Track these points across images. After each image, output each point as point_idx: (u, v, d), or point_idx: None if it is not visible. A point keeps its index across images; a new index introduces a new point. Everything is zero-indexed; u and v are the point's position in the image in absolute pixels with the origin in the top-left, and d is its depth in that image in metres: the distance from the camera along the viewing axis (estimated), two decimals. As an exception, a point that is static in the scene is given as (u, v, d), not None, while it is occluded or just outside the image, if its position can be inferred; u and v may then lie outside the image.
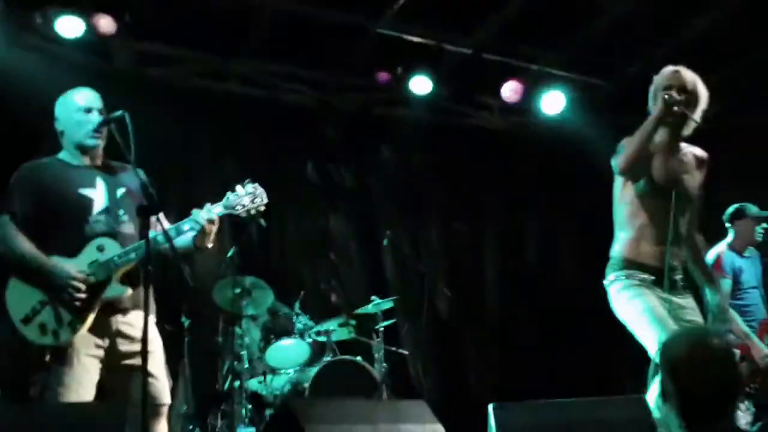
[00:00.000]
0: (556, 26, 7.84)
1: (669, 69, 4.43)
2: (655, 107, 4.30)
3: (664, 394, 2.69)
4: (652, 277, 4.26)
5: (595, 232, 8.73)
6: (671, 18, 7.60)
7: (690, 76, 4.39)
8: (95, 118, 4.06)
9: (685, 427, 2.60)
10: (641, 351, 4.66)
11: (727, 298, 5.93)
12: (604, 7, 7.55)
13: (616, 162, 4.32)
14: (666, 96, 4.23)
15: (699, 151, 4.55)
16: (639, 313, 4.17)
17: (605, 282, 4.43)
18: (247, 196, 4.15)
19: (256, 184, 4.22)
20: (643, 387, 4.09)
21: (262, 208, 4.21)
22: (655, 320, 4.10)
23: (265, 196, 4.21)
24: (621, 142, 4.40)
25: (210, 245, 4.14)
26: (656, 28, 7.75)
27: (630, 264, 4.30)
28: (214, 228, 4.09)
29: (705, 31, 7.58)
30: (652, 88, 4.47)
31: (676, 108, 4.23)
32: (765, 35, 7.47)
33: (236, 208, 4.13)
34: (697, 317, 4.35)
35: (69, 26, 7.01)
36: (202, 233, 4.04)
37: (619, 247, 4.40)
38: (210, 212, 4.06)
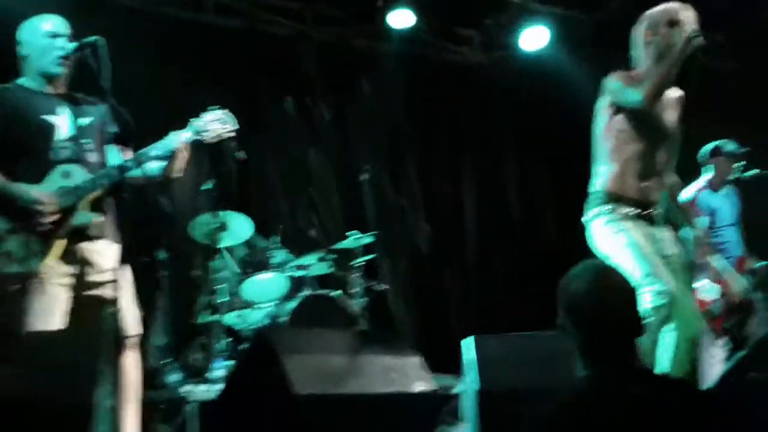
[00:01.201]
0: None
1: (673, 4, 4.33)
2: (675, 43, 4.15)
3: (562, 327, 2.65)
4: (637, 211, 4.24)
5: (574, 168, 8.82)
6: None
7: (694, 15, 4.31)
8: (62, 44, 3.96)
9: (585, 364, 2.57)
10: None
11: (705, 235, 5.96)
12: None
13: (637, 93, 4.18)
14: (695, 35, 4.10)
15: (675, 90, 4.49)
16: (623, 246, 4.15)
17: (585, 218, 4.39)
18: (217, 122, 4.12)
19: (226, 110, 4.18)
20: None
21: (232, 134, 4.17)
22: (640, 255, 4.08)
23: (235, 121, 4.18)
24: (611, 78, 4.34)
25: (179, 174, 4.09)
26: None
27: (614, 197, 4.27)
28: (184, 155, 4.04)
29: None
30: (648, 22, 4.36)
31: (692, 47, 4.12)
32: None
33: (205, 133, 4.08)
34: (676, 249, 4.35)
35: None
36: (171, 160, 3.99)
37: (601, 181, 4.36)
38: (178, 137, 4.00)
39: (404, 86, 9.18)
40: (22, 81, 4.04)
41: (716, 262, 5.87)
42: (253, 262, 6.88)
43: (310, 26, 8.57)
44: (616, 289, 2.62)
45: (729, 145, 6.24)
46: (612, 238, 4.22)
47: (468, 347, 3.75)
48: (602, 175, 4.37)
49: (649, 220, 4.28)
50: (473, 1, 8.22)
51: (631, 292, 2.64)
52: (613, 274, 2.70)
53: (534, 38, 8.63)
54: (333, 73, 8.79)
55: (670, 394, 2.45)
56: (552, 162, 9.64)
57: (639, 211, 4.24)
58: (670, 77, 4.14)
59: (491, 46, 9.30)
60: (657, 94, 4.16)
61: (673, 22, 4.24)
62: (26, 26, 4.06)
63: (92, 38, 3.84)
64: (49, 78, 4.00)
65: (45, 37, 3.98)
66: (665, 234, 4.34)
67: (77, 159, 3.92)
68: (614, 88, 4.32)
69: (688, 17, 4.24)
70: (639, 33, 4.40)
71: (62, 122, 3.96)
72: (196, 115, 4.21)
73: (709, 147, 6.27)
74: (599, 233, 4.31)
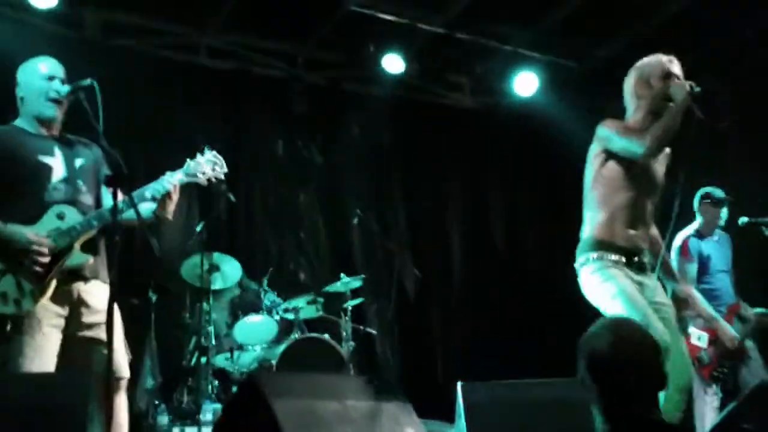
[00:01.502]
0: (528, 6, 7.82)
1: (662, 57, 4.40)
2: (677, 97, 4.18)
3: (582, 382, 2.68)
4: (624, 259, 4.25)
5: (562, 214, 8.85)
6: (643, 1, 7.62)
7: (679, 67, 4.38)
8: (57, 86, 4.00)
9: (605, 414, 2.60)
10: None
11: (692, 282, 5.98)
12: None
13: (640, 144, 4.20)
14: (692, 86, 4.17)
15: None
16: (613, 296, 4.15)
17: (576, 264, 4.40)
18: (208, 164, 4.17)
19: (215, 152, 4.22)
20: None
21: (222, 177, 4.22)
22: (629, 303, 4.08)
23: (224, 164, 4.22)
24: (604, 126, 4.37)
25: (170, 216, 4.12)
26: (628, 11, 7.74)
27: (602, 245, 4.28)
28: (175, 197, 4.06)
29: (676, 14, 7.59)
30: (640, 74, 4.41)
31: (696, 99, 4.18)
32: (734, 19, 7.49)
33: (197, 175, 4.13)
34: (665, 299, 4.37)
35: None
36: (162, 202, 4.01)
37: (590, 229, 4.37)
38: (172, 178, 4.03)
39: (394, 130, 9.25)
40: (18, 122, 4.07)
41: (706, 309, 5.88)
42: (242, 304, 6.89)
43: (302, 69, 8.64)
44: (638, 345, 2.63)
45: (715, 192, 6.29)
46: (601, 287, 4.23)
47: (459, 393, 3.75)
48: (591, 222, 4.39)
49: (638, 268, 4.29)
50: (464, 47, 8.28)
51: (653, 347, 2.67)
52: (635, 330, 2.73)
53: (524, 84, 8.72)
54: (324, 115, 8.86)
55: None
56: (539, 207, 9.68)
57: (627, 259, 4.26)
58: (674, 130, 4.17)
59: (481, 92, 9.39)
60: (660, 146, 4.21)
61: (667, 75, 4.31)
62: (23, 68, 4.11)
63: (86, 81, 3.87)
64: (42, 121, 4.03)
65: (41, 79, 4.02)
66: (653, 282, 4.36)
67: (71, 200, 3.94)
68: (610, 135, 4.34)
69: (677, 68, 4.32)
70: (630, 84, 4.45)
71: (57, 163, 3.99)
72: (190, 155, 4.24)
73: (698, 193, 6.31)
74: (588, 281, 4.31)
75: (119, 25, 7.69)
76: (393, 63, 8.33)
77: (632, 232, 4.29)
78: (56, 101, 4.00)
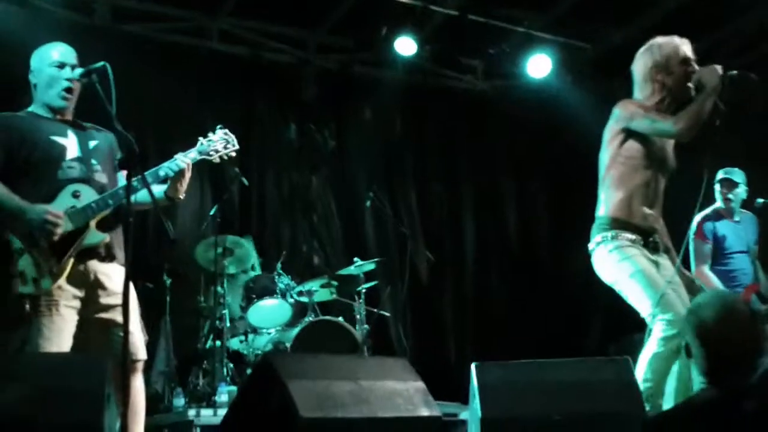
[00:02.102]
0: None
1: (676, 39, 4.38)
2: (709, 81, 4.17)
3: (687, 353, 2.95)
4: (641, 238, 4.24)
5: (574, 197, 8.85)
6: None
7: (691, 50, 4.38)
8: (67, 74, 4.01)
9: (710, 382, 2.83)
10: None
11: (706, 263, 5.98)
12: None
13: (677, 127, 4.17)
14: (724, 73, 4.16)
15: None
16: (631, 275, 4.14)
17: (591, 244, 4.39)
18: (220, 142, 4.21)
19: (227, 130, 4.25)
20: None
21: (233, 154, 4.25)
22: (648, 284, 4.07)
23: (236, 142, 4.25)
24: (626, 106, 4.36)
25: (182, 196, 4.13)
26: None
27: (619, 224, 4.27)
28: (188, 176, 4.08)
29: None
30: (655, 57, 4.40)
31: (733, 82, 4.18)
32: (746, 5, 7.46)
33: (210, 153, 4.16)
34: (677, 278, 4.35)
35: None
36: (175, 181, 4.03)
37: (606, 208, 4.35)
38: (185, 157, 4.05)
39: (406, 114, 9.24)
40: (32, 108, 4.09)
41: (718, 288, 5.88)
42: (256, 288, 6.89)
43: (313, 54, 8.63)
44: (741, 317, 2.87)
45: (732, 173, 6.25)
46: (618, 266, 4.21)
47: (474, 374, 3.75)
48: (607, 201, 4.37)
49: (653, 248, 4.28)
50: (477, 29, 8.24)
51: (753, 319, 2.92)
52: (740, 303, 2.99)
53: (537, 67, 8.68)
54: (335, 100, 8.86)
55: None
56: (551, 189, 9.67)
57: (644, 239, 4.25)
58: (707, 114, 4.17)
59: (494, 75, 9.36)
60: (694, 130, 4.19)
61: (685, 60, 4.30)
62: (36, 54, 4.11)
63: (99, 64, 3.88)
64: (54, 110, 4.05)
65: (51, 67, 4.03)
66: (666, 261, 4.35)
67: (86, 178, 3.95)
68: (634, 115, 4.31)
69: (690, 51, 4.31)
70: (646, 66, 4.42)
71: (70, 143, 4.00)
72: (202, 136, 4.26)
73: (718, 174, 6.28)
74: (604, 260, 4.29)
75: (129, 10, 7.69)
76: (405, 46, 8.29)
77: (648, 211, 4.29)
78: (67, 91, 4.01)
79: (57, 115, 4.05)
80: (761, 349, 2.85)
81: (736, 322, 2.85)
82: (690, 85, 4.26)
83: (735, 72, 4.17)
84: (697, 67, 4.28)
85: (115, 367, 3.15)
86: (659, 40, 4.44)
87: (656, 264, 4.24)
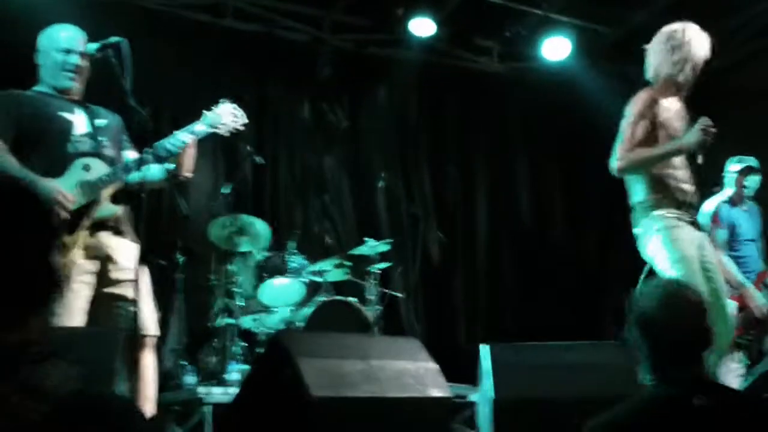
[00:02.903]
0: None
1: (685, 24, 4.38)
2: (688, 140, 4.18)
3: (633, 343, 2.76)
4: (685, 215, 4.25)
5: (588, 181, 8.82)
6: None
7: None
8: (74, 60, 4.01)
9: (655, 375, 2.68)
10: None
11: (722, 248, 5.95)
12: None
13: (617, 163, 4.26)
14: (705, 133, 4.12)
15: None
16: (673, 263, 4.13)
17: (637, 230, 4.38)
18: (228, 114, 4.17)
19: (235, 104, 4.22)
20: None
21: (242, 127, 4.22)
22: (686, 275, 4.05)
23: (244, 115, 4.23)
24: (630, 104, 4.37)
25: (189, 174, 4.11)
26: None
27: (661, 203, 4.27)
28: (191, 151, 4.07)
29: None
30: (664, 41, 4.40)
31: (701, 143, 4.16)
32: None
33: (217, 126, 4.13)
34: (714, 259, 4.35)
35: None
36: (181, 158, 4.01)
37: (643, 191, 4.36)
38: (193, 129, 4.05)
39: (421, 94, 9.21)
40: (38, 87, 4.09)
41: (735, 275, 5.87)
42: (269, 266, 6.89)
43: (327, 33, 8.60)
44: (686, 304, 2.71)
45: (745, 160, 6.23)
46: (663, 250, 4.20)
47: (484, 355, 3.75)
48: (643, 185, 4.36)
49: (693, 224, 4.30)
50: (494, 11, 8.18)
51: (700, 307, 2.73)
52: (684, 290, 2.80)
53: (555, 49, 8.63)
54: (349, 79, 8.82)
55: (734, 405, 2.57)
56: (566, 172, 9.64)
57: (687, 213, 4.25)
58: (658, 162, 4.27)
59: (510, 57, 9.31)
60: (633, 170, 4.28)
61: (688, 43, 4.31)
62: (44, 35, 4.11)
63: (115, 39, 3.87)
64: (61, 90, 4.05)
65: (58, 52, 4.03)
66: (704, 240, 4.36)
67: (96, 153, 3.95)
68: (624, 118, 4.36)
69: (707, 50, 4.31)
70: (654, 53, 4.44)
71: (79, 120, 4.01)
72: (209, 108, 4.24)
73: (728, 162, 6.26)
74: (651, 241, 4.28)
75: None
76: (421, 26, 8.26)
77: (685, 186, 4.30)
78: (73, 72, 4.00)
79: (64, 95, 4.05)
80: (709, 339, 2.70)
81: (680, 308, 2.70)
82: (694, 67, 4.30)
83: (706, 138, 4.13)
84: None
85: (126, 342, 3.16)
86: (668, 26, 4.46)
87: (697, 244, 4.23)
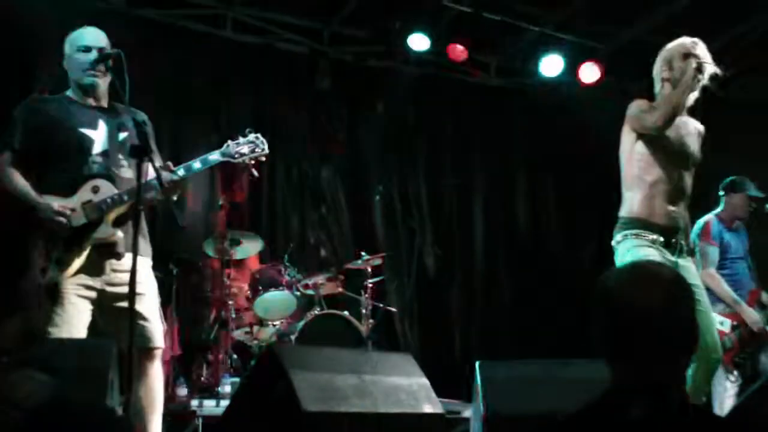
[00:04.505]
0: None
1: (687, 39, 4.43)
2: (686, 72, 4.26)
3: (595, 335, 2.13)
4: (662, 238, 4.26)
5: (584, 196, 8.84)
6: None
7: (706, 50, 4.40)
8: (94, 56, 4.04)
9: (612, 376, 2.09)
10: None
11: (713, 266, 5.96)
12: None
13: (652, 119, 4.27)
14: (698, 62, 4.23)
15: (698, 124, 4.60)
16: None
17: (613, 242, 4.41)
18: (248, 146, 4.20)
19: (258, 135, 4.25)
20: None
21: (263, 159, 4.26)
22: None
23: (266, 146, 4.26)
24: (634, 105, 4.40)
25: (174, 198, 4.11)
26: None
27: (641, 223, 4.29)
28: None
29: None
30: (664, 57, 4.46)
31: (701, 75, 4.24)
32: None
33: (235, 156, 4.16)
34: (699, 281, 4.37)
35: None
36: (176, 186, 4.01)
37: (628, 207, 4.38)
38: (208, 158, 4.07)
39: (418, 107, 9.22)
40: (68, 92, 4.12)
41: (728, 292, 5.87)
42: (263, 279, 6.89)
43: (327, 45, 8.62)
44: (659, 281, 2.07)
45: (750, 184, 6.22)
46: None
47: (478, 371, 3.75)
48: (629, 200, 4.40)
49: (675, 249, 4.29)
50: (491, 26, 8.20)
51: (676, 287, 2.09)
52: (658, 267, 2.24)
53: (550, 65, 8.66)
54: (348, 91, 8.83)
55: (679, 420, 2.03)
56: (562, 186, 9.66)
57: (665, 239, 4.26)
58: (681, 103, 4.24)
59: (507, 71, 9.35)
60: (669, 119, 4.24)
61: (687, 55, 4.33)
62: (67, 40, 4.16)
63: (113, 50, 3.92)
64: (86, 90, 4.07)
65: (78, 51, 4.07)
66: (689, 264, 4.36)
67: (108, 174, 3.97)
68: (633, 113, 4.38)
69: (701, 50, 4.33)
70: (656, 68, 4.50)
71: (99, 136, 4.03)
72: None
73: (729, 180, 6.25)
74: (623, 259, 4.31)
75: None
76: (419, 41, 8.28)
77: (672, 208, 4.31)
78: (91, 69, 4.03)
79: (91, 99, 4.09)
80: (689, 333, 2.08)
81: (651, 283, 2.05)
82: (701, 76, 4.32)
83: (711, 66, 4.27)
84: (701, 62, 4.30)
85: (137, 354, 3.17)
86: (673, 41, 4.50)
87: (675, 266, 4.23)
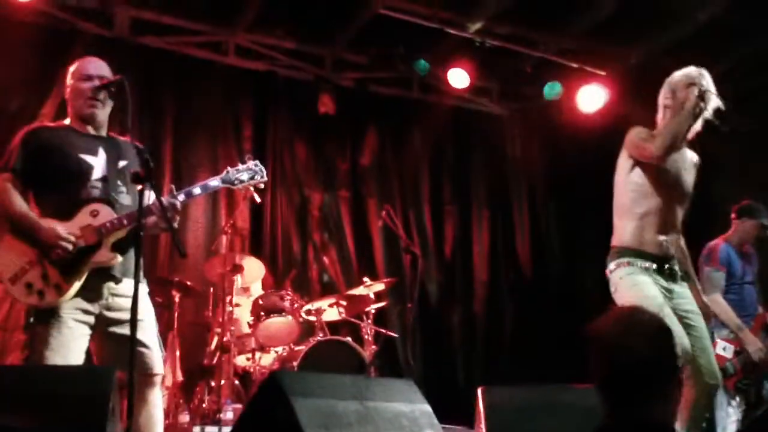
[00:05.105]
0: (558, 13, 7.81)
1: (692, 69, 4.44)
2: (688, 99, 4.26)
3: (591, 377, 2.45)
4: (654, 265, 4.26)
5: (585, 222, 8.84)
6: (673, 8, 7.56)
7: (711, 81, 4.42)
8: (94, 85, 4.07)
9: (607, 416, 2.35)
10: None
11: (719, 291, 5.93)
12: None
13: (653, 148, 4.26)
14: (701, 90, 4.25)
15: (693, 155, 4.60)
16: (637, 300, 4.15)
17: (607, 271, 4.42)
18: (247, 172, 4.25)
19: (257, 162, 4.28)
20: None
21: (261, 186, 4.30)
22: (653, 309, 4.07)
23: (265, 174, 4.31)
24: (633, 132, 4.40)
25: (175, 225, 4.11)
26: (657, 18, 7.70)
27: (632, 252, 4.30)
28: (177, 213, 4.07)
29: (706, 21, 7.53)
30: (668, 85, 4.47)
31: (703, 103, 4.25)
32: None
33: (234, 182, 4.19)
34: (695, 306, 4.35)
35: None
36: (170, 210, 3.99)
37: (620, 236, 4.39)
38: (207, 184, 4.10)
39: (421, 132, 9.26)
40: (68, 121, 4.16)
41: (732, 318, 5.84)
42: (265, 305, 6.87)
43: (329, 70, 8.66)
44: (645, 325, 2.38)
45: (752, 207, 6.20)
46: (629, 292, 4.23)
47: (480, 397, 3.74)
48: (622, 229, 4.40)
49: (669, 275, 4.29)
50: (493, 52, 8.24)
51: (658, 334, 2.39)
52: (641, 312, 2.50)
53: (551, 90, 8.67)
54: (350, 117, 8.86)
55: None
56: (563, 211, 9.66)
57: (658, 266, 4.26)
58: (682, 131, 4.23)
59: (509, 97, 9.38)
60: (669, 148, 4.23)
61: (691, 84, 4.33)
62: (70, 70, 4.18)
63: (115, 77, 3.95)
64: (86, 120, 4.10)
65: (79, 81, 4.09)
66: (684, 290, 4.35)
67: (107, 199, 3.98)
68: (632, 140, 4.38)
69: (707, 81, 4.34)
70: (660, 96, 4.50)
71: (99, 162, 4.05)
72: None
73: (743, 205, 6.24)
74: (617, 287, 4.33)
75: (148, 22, 7.73)
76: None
77: (663, 237, 4.31)
78: (91, 99, 4.05)
79: (91, 128, 4.11)
80: (670, 371, 2.37)
81: (637, 330, 2.35)
82: (702, 105, 4.32)
83: (713, 95, 4.28)
84: (704, 91, 4.31)
85: (137, 381, 3.16)
86: (679, 71, 4.51)
87: (669, 291, 4.24)
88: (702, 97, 4.23)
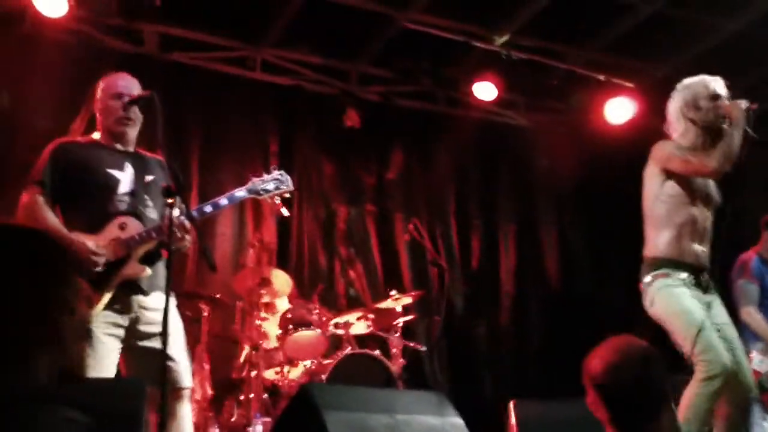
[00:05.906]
0: (584, 25, 7.81)
1: (707, 77, 4.41)
2: (733, 116, 4.23)
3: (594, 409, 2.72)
4: (692, 277, 4.23)
5: (614, 235, 8.78)
6: (701, 21, 7.54)
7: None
8: (124, 103, 4.10)
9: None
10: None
11: (753, 304, 5.87)
12: (636, 6, 7.49)
13: (709, 163, 4.23)
14: (747, 106, 4.22)
15: None
16: (676, 313, 4.12)
17: (642, 284, 4.38)
18: (272, 182, 4.27)
19: (282, 172, 4.31)
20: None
21: (287, 195, 4.32)
22: (693, 323, 4.03)
23: (290, 183, 4.34)
24: (667, 147, 4.38)
25: (187, 244, 4.10)
26: (684, 31, 7.68)
27: (670, 263, 4.27)
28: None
29: (734, 34, 7.49)
30: (686, 96, 4.44)
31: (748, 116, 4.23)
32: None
33: (260, 192, 4.22)
34: (727, 318, 4.32)
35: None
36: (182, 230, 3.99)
37: (656, 247, 4.36)
38: (233, 196, 4.11)
39: (447, 146, 9.24)
40: (95, 135, 4.19)
41: (766, 332, 5.77)
42: (293, 318, 6.87)
43: (354, 85, 8.68)
44: (631, 359, 2.67)
45: None
46: (666, 305, 4.20)
47: (512, 411, 3.73)
48: (656, 240, 4.36)
49: (704, 287, 4.26)
50: (520, 65, 8.23)
51: (647, 359, 2.68)
52: (628, 346, 2.75)
53: (579, 103, 8.65)
54: (376, 131, 8.87)
55: None
56: (590, 223, 9.61)
57: (695, 278, 4.23)
58: (738, 148, 4.19)
59: (536, 109, 9.36)
60: (728, 164, 4.20)
61: (715, 96, 4.31)
62: (100, 85, 4.22)
63: (146, 93, 3.99)
64: (115, 136, 4.13)
65: (110, 98, 4.13)
66: (716, 301, 4.32)
67: (135, 212, 4.01)
68: (668, 154, 4.34)
69: (723, 88, 4.32)
70: (677, 107, 4.46)
71: (126, 177, 4.09)
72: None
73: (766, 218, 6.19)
74: (654, 299, 4.28)
75: (176, 39, 7.78)
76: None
77: (699, 247, 4.28)
78: (124, 119, 4.09)
79: (119, 144, 4.14)
80: (661, 390, 2.64)
81: (625, 365, 2.66)
82: (722, 119, 4.29)
83: (754, 104, 4.26)
84: (726, 102, 4.30)
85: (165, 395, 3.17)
86: (688, 80, 4.48)
87: (708, 305, 4.20)
88: (748, 110, 4.20)
